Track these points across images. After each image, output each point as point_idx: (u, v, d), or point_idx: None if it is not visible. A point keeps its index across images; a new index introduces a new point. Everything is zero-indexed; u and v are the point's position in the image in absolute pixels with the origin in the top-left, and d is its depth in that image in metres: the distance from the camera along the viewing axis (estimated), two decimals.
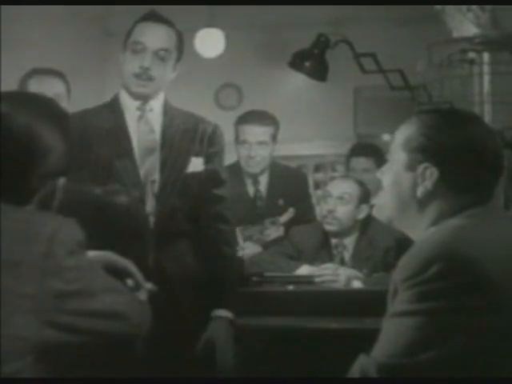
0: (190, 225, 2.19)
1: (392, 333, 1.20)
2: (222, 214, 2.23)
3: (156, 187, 2.13)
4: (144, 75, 2.16)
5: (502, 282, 1.18)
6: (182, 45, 2.26)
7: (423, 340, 1.16)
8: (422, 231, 1.35)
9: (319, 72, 2.70)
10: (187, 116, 2.28)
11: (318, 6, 4.41)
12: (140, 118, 2.21)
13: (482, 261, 1.19)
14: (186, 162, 2.18)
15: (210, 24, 4.85)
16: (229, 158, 3.25)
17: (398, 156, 1.40)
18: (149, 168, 2.15)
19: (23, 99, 1.35)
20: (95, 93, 5.11)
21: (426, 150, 1.35)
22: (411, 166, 1.36)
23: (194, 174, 2.19)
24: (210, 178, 2.22)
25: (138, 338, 1.46)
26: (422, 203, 1.36)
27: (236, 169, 3.19)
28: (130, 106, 2.22)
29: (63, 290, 1.23)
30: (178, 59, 2.25)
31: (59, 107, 1.40)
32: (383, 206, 1.45)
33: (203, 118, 2.31)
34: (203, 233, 2.20)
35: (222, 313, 2.12)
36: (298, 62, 2.70)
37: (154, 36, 2.19)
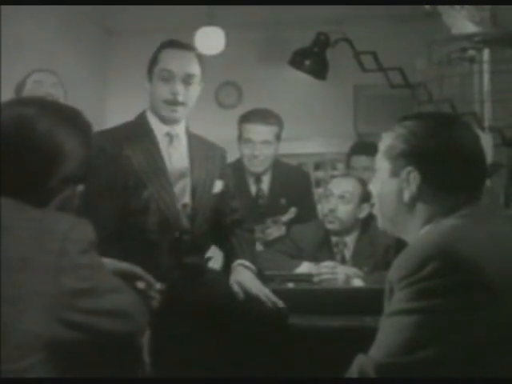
0: (214, 235, 2.45)
1: (389, 332, 1.21)
2: (239, 221, 2.51)
3: (188, 210, 2.31)
4: (174, 101, 2.30)
5: (497, 280, 1.19)
6: (203, 66, 2.39)
7: (420, 338, 1.17)
8: (415, 233, 1.38)
9: (319, 70, 2.70)
10: (203, 142, 2.47)
11: (318, 5, 4.41)
12: (169, 143, 2.36)
13: (477, 259, 1.20)
14: (212, 186, 2.39)
15: (210, 22, 4.84)
16: (229, 157, 3.26)
17: (382, 165, 1.45)
18: (180, 191, 2.32)
19: (48, 106, 1.40)
20: (96, 91, 5.12)
21: (407, 155, 1.39)
22: (395, 173, 1.41)
23: (217, 194, 2.41)
24: (225, 194, 2.46)
25: (140, 336, 1.48)
26: (410, 207, 1.40)
27: (238, 167, 3.19)
28: (158, 130, 2.36)
29: (76, 288, 1.25)
30: (201, 81, 2.39)
31: (81, 116, 1.44)
32: (376, 215, 1.52)
33: (214, 143, 2.51)
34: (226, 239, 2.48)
35: (242, 262, 2.33)
36: (298, 60, 2.70)
37: (181, 63, 2.32)
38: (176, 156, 2.35)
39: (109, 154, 2.22)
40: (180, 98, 2.30)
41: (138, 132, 2.34)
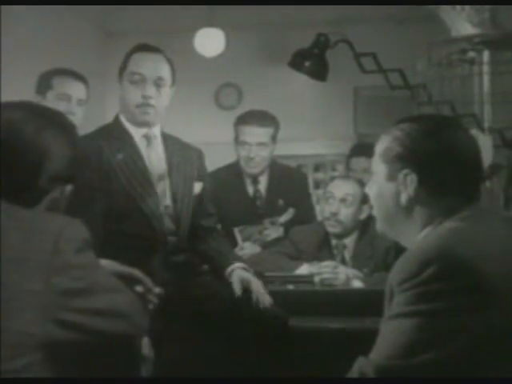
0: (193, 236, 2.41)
1: (390, 335, 1.20)
2: (215, 228, 2.52)
3: (170, 211, 2.30)
4: (146, 104, 2.29)
5: (498, 282, 1.18)
6: (174, 71, 2.39)
7: (421, 341, 1.16)
8: (414, 237, 1.37)
9: (319, 72, 2.70)
10: (178, 143, 2.45)
11: (317, 6, 4.41)
12: (147, 145, 2.35)
13: (477, 261, 1.19)
14: (191, 187, 2.38)
15: (210, 23, 4.84)
16: (228, 158, 3.26)
17: (378, 168, 1.44)
18: (160, 193, 2.30)
19: (33, 109, 1.43)
20: (95, 92, 5.12)
21: (403, 158, 1.38)
22: (392, 176, 1.40)
23: (196, 196, 2.40)
24: (203, 197, 2.45)
25: (138, 337, 1.48)
26: (408, 210, 1.38)
27: (235, 169, 3.19)
28: (134, 133, 2.35)
29: (69, 288, 1.25)
30: (172, 85, 2.38)
31: (66, 119, 1.49)
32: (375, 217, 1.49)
33: (189, 144, 2.49)
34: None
35: (241, 265, 2.32)
36: (298, 61, 2.70)
37: (151, 66, 2.31)
38: (155, 158, 2.35)
39: (89, 159, 2.20)
40: (152, 102, 2.30)
41: (116, 135, 2.33)
